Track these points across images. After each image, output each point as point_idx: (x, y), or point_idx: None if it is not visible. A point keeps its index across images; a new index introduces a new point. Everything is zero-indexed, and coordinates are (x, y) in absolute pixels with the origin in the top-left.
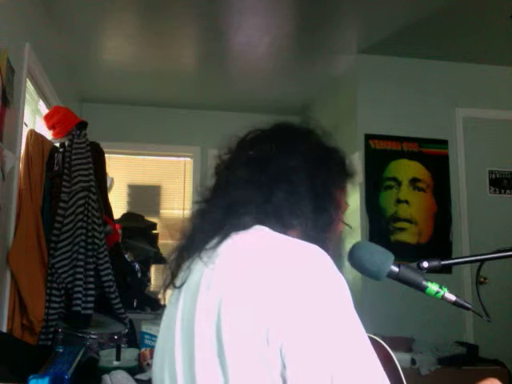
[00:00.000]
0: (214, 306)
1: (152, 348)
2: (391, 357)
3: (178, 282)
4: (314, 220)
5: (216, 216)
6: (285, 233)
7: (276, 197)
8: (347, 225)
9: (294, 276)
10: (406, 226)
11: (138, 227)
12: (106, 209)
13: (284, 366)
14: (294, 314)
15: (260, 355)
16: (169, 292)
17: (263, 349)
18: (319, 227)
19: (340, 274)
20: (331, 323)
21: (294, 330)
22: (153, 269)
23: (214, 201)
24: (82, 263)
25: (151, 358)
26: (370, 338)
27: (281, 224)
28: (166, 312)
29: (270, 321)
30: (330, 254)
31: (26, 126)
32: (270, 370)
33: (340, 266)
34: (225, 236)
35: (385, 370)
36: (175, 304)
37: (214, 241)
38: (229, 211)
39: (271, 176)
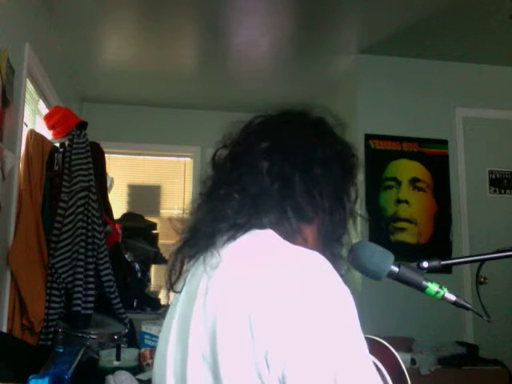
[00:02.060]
0: (209, 318)
1: (152, 348)
2: (396, 358)
3: (179, 286)
4: (334, 214)
5: (227, 213)
6: (301, 229)
7: (297, 189)
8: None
9: (295, 295)
10: (406, 226)
11: (138, 227)
12: (106, 209)
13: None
14: (298, 340)
15: (257, 374)
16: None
17: (261, 368)
18: (338, 222)
19: (344, 287)
20: (336, 348)
21: (298, 356)
22: (153, 269)
23: (225, 195)
24: (81, 263)
25: (151, 357)
26: (374, 341)
27: (300, 218)
28: (168, 313)
29: (269, 341)
30: (342, 250)
31: (26, 126)
32: None
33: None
34: (231, 237)
35: (390, 371)
36: (175, 306)
37: (221, 242)
38: (243, 207)
39: (295, 168)
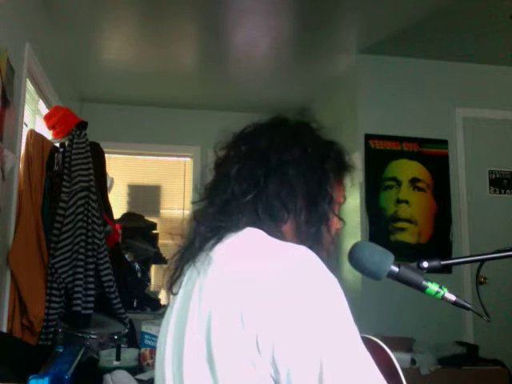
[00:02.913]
0: (204, 314)
1: (152, 348)
2: (391, 359)
3: (176, 288)
4: (307, 214)
5: (210, 217)
6: (278, 228)
7: (268, 190)
8: (342, 220)
9: (283, 285)
10: (406, 226)
11: (138, 227)
12: (106, 209)
13: (277, 372)
14: (285, 323)
15: (251, 363)
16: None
17: (254, 357)
18: (312, 222)
19: (331, 277)
20: (323, 329)
21: (285, 337)
22: (153, 269)
23: (210, 200)
24: (82, 263)
25: (151, 358)
26: (370, 340)
27: (273, 218)
28: (166, 315)
29: (258, 327)
30: (324, 249)
31: (26, 126)
32: (262, 378)
33: (338, 263)
34: (218, 240)
35: (384, 371)
36: (172, 308)
37: (209, 244)
38: (222, 211)
39: (266, 170)
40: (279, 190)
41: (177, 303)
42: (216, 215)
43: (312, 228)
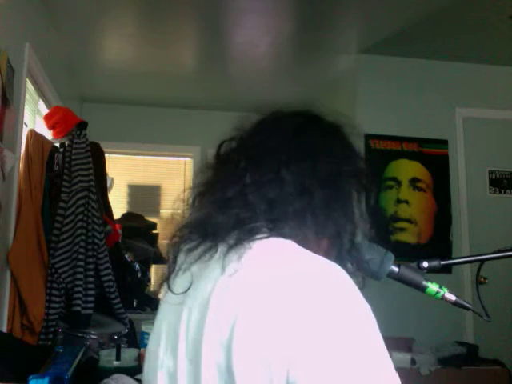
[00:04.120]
0: (226, 327)
1: None
2: None
3: (178, 287)
4: (347, 229)
5: (242, 217)
6: (315, 240)
7: (317, 201)
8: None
9: (318, 309)
10: (406, 226)
11: (138, 227)
12: (106, 209)
13: None
14: (318, 355)
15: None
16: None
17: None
18: (350, 237)
19: (364, 302)
20: (358, 363)
21: (316, 374)
22: (153, 269)
23: (238, 197)
24: (82, 263)
25: None
26: None
27: (314, 230)
28: (162, 313)
29: (291, 359)
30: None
31: (26, 126)
32: None
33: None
34: (249, 243)
35: None
36: (177, 310)
37: (234, 245)
38: (257, 214)
39: (318, 178)
40: (328, 203)
41: (186, 306)
42: (252, 216)
43: (350, 242)
